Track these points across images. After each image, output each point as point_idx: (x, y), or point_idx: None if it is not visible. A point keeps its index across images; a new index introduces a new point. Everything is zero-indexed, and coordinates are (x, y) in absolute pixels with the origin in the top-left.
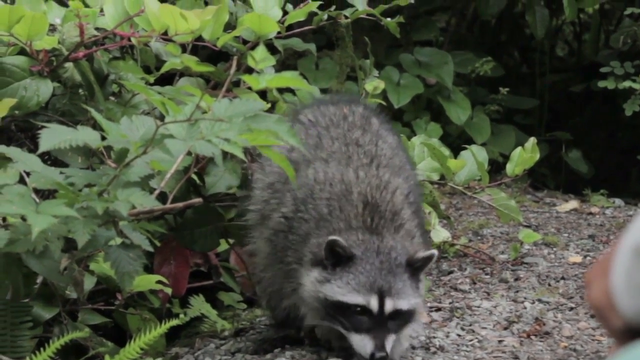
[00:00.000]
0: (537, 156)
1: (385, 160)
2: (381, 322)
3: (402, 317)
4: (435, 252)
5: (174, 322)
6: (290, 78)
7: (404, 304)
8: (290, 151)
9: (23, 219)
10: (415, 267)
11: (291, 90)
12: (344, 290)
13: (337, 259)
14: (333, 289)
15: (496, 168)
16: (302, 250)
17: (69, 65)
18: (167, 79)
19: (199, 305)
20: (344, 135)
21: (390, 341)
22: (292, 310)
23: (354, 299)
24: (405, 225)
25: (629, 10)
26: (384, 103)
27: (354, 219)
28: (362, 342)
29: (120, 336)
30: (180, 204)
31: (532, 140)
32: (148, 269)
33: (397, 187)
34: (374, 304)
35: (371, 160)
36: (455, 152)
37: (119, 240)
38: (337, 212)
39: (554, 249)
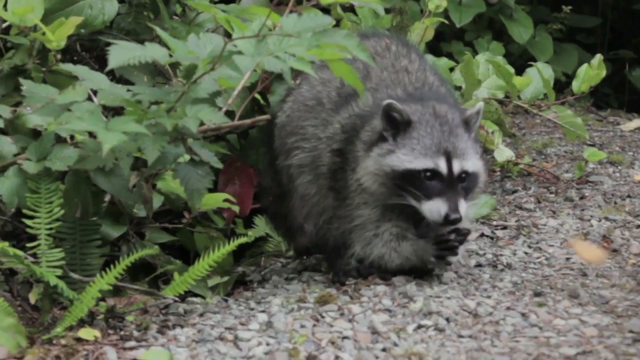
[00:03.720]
0: (604, 73)
1: (435, 88)
2: (452, 185)
3: (470, 180)
4: (481, 103)
5: (243, 239)
6: None
7: (469, 165)
8: (340, 88)
9: (92, 136)
10: (472, 125)
11: (353, 11)
12: (410, 157)
13: (395, 126)
14: (399, 158)
15: (559, 87)
16: (354, 153)
17: None
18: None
19: (264, 225)
20: (392, 64)
21: (463, 205)
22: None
23: (422, 163)
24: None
25: None
26: (446, 22)
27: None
28: (434, 207)
29: (184, 256)
30: (247, 121)
31: (599, 56)
32: (212, 191)
33: None
34: (442, 165)
35: (422, 84)
36: (518, 71)
37: (187, 158)
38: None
39: (619, 167)
